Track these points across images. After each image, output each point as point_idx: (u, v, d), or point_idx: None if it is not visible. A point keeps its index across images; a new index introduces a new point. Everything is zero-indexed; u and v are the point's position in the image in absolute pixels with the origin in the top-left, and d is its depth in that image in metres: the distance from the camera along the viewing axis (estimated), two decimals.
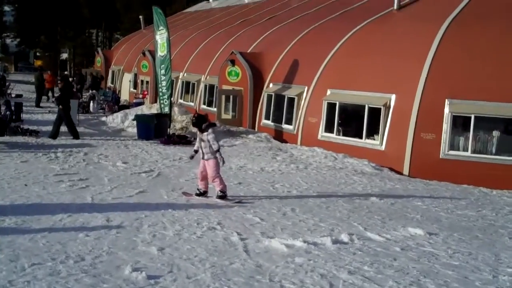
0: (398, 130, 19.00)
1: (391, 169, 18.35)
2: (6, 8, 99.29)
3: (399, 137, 18.90)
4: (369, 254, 8.05)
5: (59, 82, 22.85)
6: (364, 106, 19.94)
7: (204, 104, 30.51)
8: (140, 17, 54.02)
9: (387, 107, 19.38)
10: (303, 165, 17.24)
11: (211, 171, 11.60)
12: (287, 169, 16.25)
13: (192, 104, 31.84)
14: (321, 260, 7.61)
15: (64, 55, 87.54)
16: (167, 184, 13.00)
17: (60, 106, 20.00)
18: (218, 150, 11.49)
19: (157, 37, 24.15)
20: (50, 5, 73.75)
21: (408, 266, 7.61)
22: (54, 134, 20.12)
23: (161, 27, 23.72)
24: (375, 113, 19.83)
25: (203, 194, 11.87)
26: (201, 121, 11.75)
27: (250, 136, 23.05)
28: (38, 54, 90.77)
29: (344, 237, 8.78)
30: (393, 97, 19.35)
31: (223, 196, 11.63)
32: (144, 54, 36.73)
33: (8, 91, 37.97)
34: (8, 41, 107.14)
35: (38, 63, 76.77)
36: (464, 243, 9.11)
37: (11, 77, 56.89)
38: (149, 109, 28.44)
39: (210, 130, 11.58)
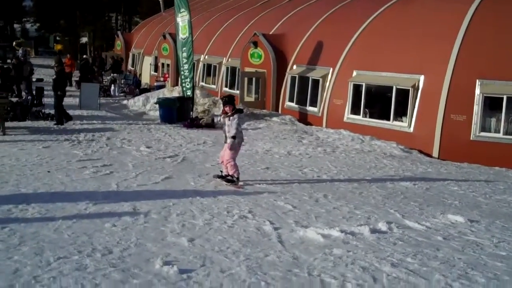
0: (427, 112, 18.50)
1: (420, 152, 17.92)
2: None
3: (428, 119, 18.41)
4: (410, 244, 7.58)
5: (55, 65, 22.34)
6: (391, 88, 19.45)
7: (226, 86, 30.11)
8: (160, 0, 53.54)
9: (416, 88, 18.87)
10: (331, 148, 16.80)
11: (226, 154, 11.35)
12: (315, 153, 15.81)
13: (214, 87, 31.45)
14: (360, 252, 7.17)
15: (84, 39, 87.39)
16: (193, 170, 12.61)
17: (59, 92, 19.53)
18: (233, 137, 11.16)
19: (178, 19, 23.69)
20: None
21: (454, 257, 7.15)
22: (59, 119, 19.71)
23: (182, 9, 23.24)
24: (403, 94, 19.38)
25: (224, 177, 11.51)
26: (232, 102, 11.47)
27: (274, 118, 22.62)
28: (58, 38, 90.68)
29: (382, 226, 8.33)
30: (422, 78, 18.84)
31: (229, 180, 11.29)
32: (164, 37, 36.41)
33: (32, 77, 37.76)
34: (28, 26, 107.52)
35: (58, 47, 76.54)
36: (508, 231, 8.61)
37: (32, 61, 56.72)
38: (171, 92, 28.14)
39: (236, 116, 11.23)
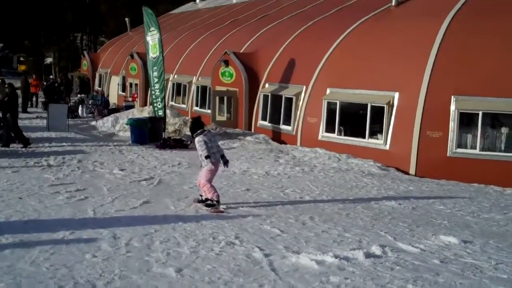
0: (403, 128, 18.36)
1: (397, 169, 17.70)
2: None
3: (404, 136, 18.27)
4: (408, 269, 7.26)
5: (6, 86, 21.89)
6: (366, 105, 19.30)
7: (196, 106, 29.75)
8: (126, 19, 53.06)
9: (391, 105, 18.74)
10: (308, 167, 16.51)
11: (201, 177, 10.91)
12: (293, 172, 15.49)
13: (184, 106, 31.06)
14: (358, 279, 6.82)
15: (49, 60, 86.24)
16: (171, 193, 12.17)
17: (8, 114, 18.99)
18: (206, 156, 10.69)
19: (148, 38, 23.28)
20: (33, 9, 72.53)
21: (455, 282, 6.84)
22: (6, 142, 19.12)
23: (152, 28, 22.85)
24: (378, 111, 19.22)
25: (204, 201, 10.99)
26: (195, 127, 11.12)
27: (248, 137, 22.28)
28: (21, 58, 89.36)
29: (376, 250, 7.99)
30: (397, 95, 18.72)
31: (209, 204, 10.77)
32: (132, 56, 36.02)
33: None
34: None
35: (22, 67, 75.46)
36: (503, 252, 8.37)
37: None
38: (141, 112, 27.64)
39: (196, 137, 10.90)
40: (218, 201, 10.73)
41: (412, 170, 17.78)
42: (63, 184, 12.89)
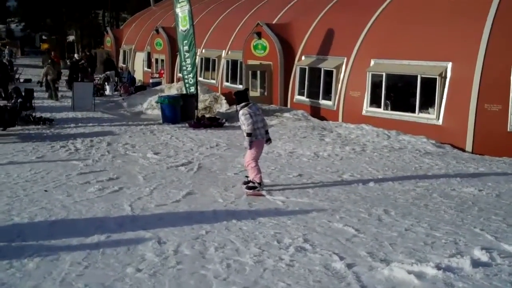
0: (458, 102, 16.73)
1: (453, 146, 16.11)
2: None
3: (459, 110, 16.65)
4: None
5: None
6: (416, 77, 17.62)
7: (227, 81, 28.22)
8: None
9: (443, 77, 17.05)
10: (358, 146, 14.99)
11: (246, 155, 10.32)
12: (344, 153, 13.99)
13: (213, 81, 29.54)
14: None
15: (71, 37, 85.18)
16: (216, 181, 10.74)
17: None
18: (248, 134, 10.01)
19: (177, 10, 21.72)
20: None
21: None
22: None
23: None
24: (429, 84, 17.60)
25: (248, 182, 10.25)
26: (240, 99, 10.41)
27: (286, 114, 20.76)
28: (44, 37, 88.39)
29: (481, 255, 6.49)
30: (450, 65, 17.03)
31: (251, 187, 10.05)
32: (157, 31, 34.56)
33: (17, 76, 35.80)
34: (13, 26, 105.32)
35: (45, 46, 74.27)
36: None
37: (18, 61, 54.79)
38: (169, 89, 26.35)
39: (241, 111, 10.19)
40: (260, 183, 10.06)
41: (468, 147, 16.20)
42: (93, 172, 11.56)
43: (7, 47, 64.19)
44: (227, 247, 6.86)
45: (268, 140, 10.50)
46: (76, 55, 32.79)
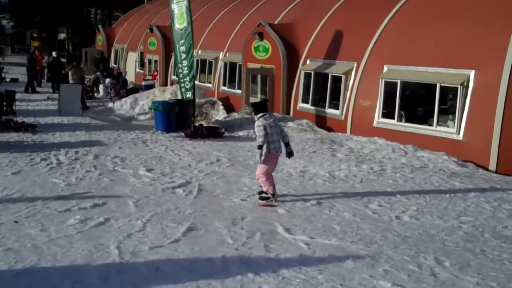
0: (481, 114, 15.17)
1: (476, 164, 14.53)
2: None
3: (482, 123, 15.11)
4: None
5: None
6: (434, 86, 16.01)
7: (224, 85, 26.56)
8: None
9: (465, 86, 15.45)
10: (376, 165, 13.38)
11: (258, 168, 10.04)
12: (362, 173, 12.36)
13: (210, 85, 27.88)
14: None
15: (62, 35, 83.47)
16: (221, 211, 9.05)
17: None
18: (258, 147, 9.68)
19: (174, 5, 20.00)
20: None
21: None
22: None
23: None
24: (449, 93, 16.04)
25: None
26: (257, 109, 10.08)
27: (290, 124, 19.13)
28: (35, 35, 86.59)
29: None
30: (472, 73, 15.44)
31: (263, 197, 9.83)
32: (151, 30, 32.99)
33: (2, 75, 34.00)
34: (4, 22, 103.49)
35: (35, 44, 72.54)
36: None
37: (7, 59, 52.98)
38: (162, 92, 24.72)
39: (257, 121, 9.87)
40: (273, 194, 9.79)
41: (492, 165, 14.63)
42: (76, 194, 9.90)
43: None
44: None
45: (290, 153, 10.13)
46: (54, 53, 30.92)
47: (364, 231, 8.17)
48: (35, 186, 10.41)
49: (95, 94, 29.21)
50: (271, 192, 9.70)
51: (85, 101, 23.37)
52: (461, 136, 15.46)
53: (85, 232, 7.76)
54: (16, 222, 8.16)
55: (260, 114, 9.77)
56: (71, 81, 23.16)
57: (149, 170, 12.08)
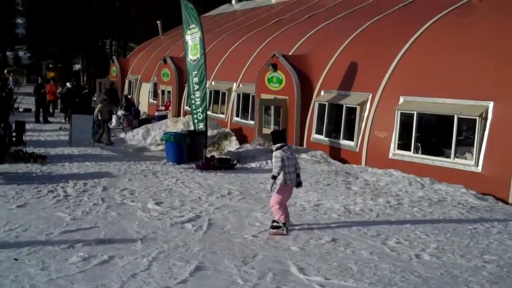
0: (500, 146, 14.77)
1: (495, 197, 14.06)
2: (19, 20, 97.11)
3: (501, 155, 14.69)
4: None
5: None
6: (452, 117, 15.60)
7: (237, 116, 26.26)
8: (158, 22, 50.03)
9: (484, 118, 15.04)
10: (393, 198, 12.95)
11: (272, 198, 10.07)
12: (379, 207, 11.92)
13: (223, 116, 27.59)
14: None
15: (77, 66, 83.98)
16: (231, 248, 8.64)
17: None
18: (273, 177, 9.75)
19: (188, 37, 19.85)
20: (62, 15, 70.31)
21: None
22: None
23: (192, 25, 19.43)
24: (467, 125, 15.65)
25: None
26: (276, 139, 10.13)
27: (303, 155, 18.72)
28: (50, 65, 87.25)
29: None
30: (491, 105, 15.05)
31: (274, 226, 9.83)
32: (165, 61, 32.83)
33: (15, 106, 34.00)
34: (21, 53, 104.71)
35: (51, 74, 72.96)
36: None
37: (22, 90, 53.21)
38: (175, 123, 24.49)
39: (275, 150, 9.94)
40: (284, 224, 9.81)
41: (511, 198, 14.14)
42: (81, 229, 9.54)
43: (12, 74, 62.86)
44: None
45: (299, 184, 10.20)
46: (68, 83, 30.91)
47: (383, 271, 7.70)
48: (39, 220, 10.08)
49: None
50: (283, 221, 9.70)
51: (110, 138, 22.89)
52: (479, 169, 15.03)
53: (88, 272, 7.38)
54: (16, 259, 7.80)
55: (279, 145, 9.85)
56: (99, 117, 22.47)
57: (158, 204, 11.72)
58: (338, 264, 7.93)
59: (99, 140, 21.60)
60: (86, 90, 33.44)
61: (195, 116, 19.62)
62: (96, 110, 22.85)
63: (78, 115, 22.61)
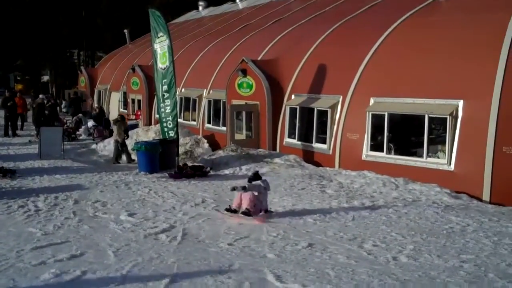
0: (472, 144, 14.89)
1: (469, 195, 14.14)
2: None
3: (473, 153, 14.81)
4: None
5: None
6: (423, 117, 15.68)
7: (208, 122, 26.12)
8: (125, 30, 49.62)
9: (454, 116, 15.14)
10: (367, 200, 12.95)
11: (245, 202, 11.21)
12: (354, 210, 11.88)
13: (194, 123, 27.44)
14: None
15: (46, 77, 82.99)
16: (206, 257, 8.48)
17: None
18: (244, 188, 11.26)
19: (156, 45, 19.68)
20: (28, 26, 69.33)
21: None
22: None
23: (160, 34, 19.27)
24: (438, 124, 15.74)
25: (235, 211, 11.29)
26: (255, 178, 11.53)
27: (276, 159, 18.66)
28: (18, 78, 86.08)
29: None
30: (461, 103, 15.20)
31: (246, 213, 11.02)
32: (133, 69, 32.58)
33: None
34: None
35: (19, 87, 72.01)
36: None
37: None
38: (146, 132, 24.19)
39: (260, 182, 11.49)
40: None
41: (485, 195, 14.31)
42: (52, 244, 9.31)
43: None
44: None
45: (244, 188, 11.24)
46: (41, 95, 30.46)
47: (360, 275, 7.62)
48: (9, 237, 9.83)
49: (77, 136, 28.68)
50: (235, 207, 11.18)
51: (131, 156, 21.33)
52: (452, 167, 15.14)
53: (59, 286, 7.19)
54: None
55: (258, 181, 11.35)
56: (116, 137, 21.10)
57: (131, 215, 11.53)
58: (315, 270, 7.83)
59: (117, 161, 20.61)
60: (52, 101, 32.88)
61: (164, 124, 19.43)
62: (114, 133, 21.52)
63: (47, 128, 22.26)
